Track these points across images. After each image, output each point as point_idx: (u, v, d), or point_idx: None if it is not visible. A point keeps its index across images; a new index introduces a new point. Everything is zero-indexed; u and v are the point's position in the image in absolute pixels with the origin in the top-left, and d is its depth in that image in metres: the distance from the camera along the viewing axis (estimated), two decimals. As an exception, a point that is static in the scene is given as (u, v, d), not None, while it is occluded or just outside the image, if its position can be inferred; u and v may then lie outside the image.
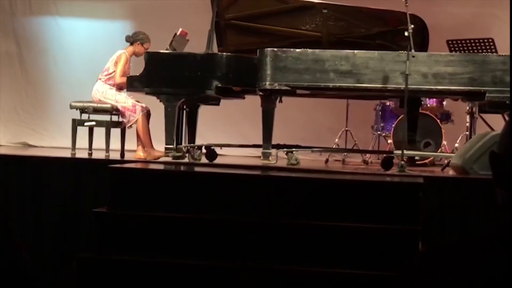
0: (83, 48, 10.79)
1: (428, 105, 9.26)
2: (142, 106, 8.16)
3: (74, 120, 8.08)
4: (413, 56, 6.93)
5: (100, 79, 8.33)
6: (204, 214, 5.59)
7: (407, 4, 6.90)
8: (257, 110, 7.42)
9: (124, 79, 8.10)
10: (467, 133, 8.49)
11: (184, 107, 8.05)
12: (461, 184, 6.17)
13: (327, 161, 9.67)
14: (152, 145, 8.13)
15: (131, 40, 8.44)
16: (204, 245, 5.43)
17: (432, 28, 7.76)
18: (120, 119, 8.23)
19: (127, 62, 8.36)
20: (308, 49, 7.22)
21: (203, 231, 5.49)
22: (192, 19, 9.24)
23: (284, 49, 7.23)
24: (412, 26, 6.92)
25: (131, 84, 7.52)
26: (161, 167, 6.95)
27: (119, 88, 8.26)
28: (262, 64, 7.17)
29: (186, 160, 7.65)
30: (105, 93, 8.22)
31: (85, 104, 8.14)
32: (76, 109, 8.17)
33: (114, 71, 8.28)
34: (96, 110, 8.15)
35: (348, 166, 9.20)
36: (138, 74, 7.50)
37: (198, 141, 8.30)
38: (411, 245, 5.13)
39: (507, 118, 7.54)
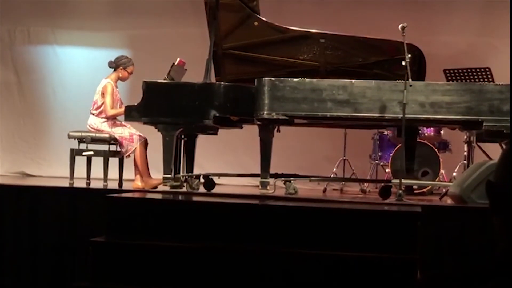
0: (81, 77, 10.81)
1: (426, 134, 9.26)
2: (139, 136, 8.16)
3: (72, 150, 8.08)
4: (410, 85, 6.94)
5: (92, 113, 8.32)
6: (202, 243, 5.58)
7: (404, 34, 6.92)
8: (255, 139, 7.43)
9: (115, 111, 8.12)
10: (465, 162, 8.50)
11: (182, 136, 8.06)
12: (459, 213, 6.16)
13: (325, 190, 9.67)
14: (149, 174, 8.13)
15: (113, 65, 8.42)
16: (202, 274, 5.41)
17: (429, 57, 7.78)
18: (118, 149, 8.23)
19: (114, 91, 8.34)
20: (305, 79, 7.24)
21: (201, 260, 5.47)
22: (189, 49, 9.27)
23: (282, 78, 7.24)
24: (409, 55, 6.93)
25: (129, 114, 7.51)
26: (159, 196, 6.94)
27: (113, 119, 8.26)
28: (260, 94, 7.18)
29: (184, 189, 7.65)
30: (100, 126, 8.22)
31: (83, 134, 8.14)
32: (74, 139, 8.17)
33: (102, 103, 8.26)
34: (94, 140, 8.15)
35: (346, 195, 9.21)
36: (136, 104, 7.50)
37: (196, 171, 8.30)
38: (409, 274, 5.11)
39: (504, 147, 7.55)
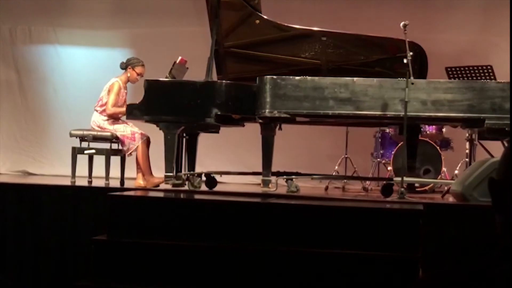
0: (82, 76, 10.82)
1: (428, 132, 9.26)
2: (141, 134, 8.16)
3: (74, 148, 8.07)
4: (412, 83, 6.94)
5: (96, 110, 8.31)
6: (204, 242, 5.58)
7: (405, 32, 6.91)
8: (257, 137, 7.42)
9: (115, 110, 8.11)
10: (467, 159, 8.50)
11: (184, 134, 8.06)
12: (461, 211, 6.16)
13: (327, 188, 9.67)
14: (151, 172, 8.12)
15: (124, 66, 8.42)
16: (204, 273, 5.41)
17: (430, 55, 7.78)
18: (120, 147, 8.23)
19: (121, 90, 8.31)
20: (307, 77, 7.24)
21: (202, 259, 5.47)
22: (191, 47, 9.27)
23: (284, 76, 7.24)
24: (411, 53, 6.94)
25: (131, 112, 7.51)
26: (160, 194, 6.94)
27: (112, 118, 8.23)
28: (262, 92, 7.18)
29: (186, 187, 7.65)
30: (102, 124, 8.21)
31: (85, 132, 8.14)
32: (76, 137, 8.16)
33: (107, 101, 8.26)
34: (96, 138, 8.15)
35: (348, 193, 9.20)
36: (137, 102, 7.50)
37: (197, 169, 8.30)
38: (411, 272, 5.11)
39: (506, 145, 7.54)
